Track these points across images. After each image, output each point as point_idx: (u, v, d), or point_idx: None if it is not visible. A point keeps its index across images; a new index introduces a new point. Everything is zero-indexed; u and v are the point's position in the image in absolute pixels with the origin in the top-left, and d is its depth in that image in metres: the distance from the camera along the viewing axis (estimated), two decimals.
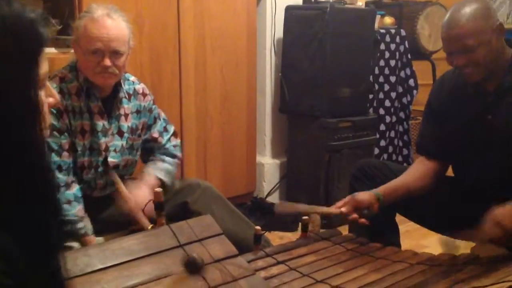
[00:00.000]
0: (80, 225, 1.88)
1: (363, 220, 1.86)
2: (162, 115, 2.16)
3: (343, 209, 1.86)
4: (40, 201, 0.71)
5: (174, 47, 2.75)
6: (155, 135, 2.12)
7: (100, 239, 1.96)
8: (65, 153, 1.87)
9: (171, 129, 2.17)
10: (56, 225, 0.75)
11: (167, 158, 2.11)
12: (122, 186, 1.93)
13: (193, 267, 1.29)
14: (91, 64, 1.87)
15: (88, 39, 1.85)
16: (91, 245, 1.71)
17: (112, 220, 2.05)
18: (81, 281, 1.26)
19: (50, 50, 2.28)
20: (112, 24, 1.87)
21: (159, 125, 2.13)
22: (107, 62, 1.87)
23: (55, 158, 1.85)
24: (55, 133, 1.85)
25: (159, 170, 2.06)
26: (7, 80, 0.67)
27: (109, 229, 2.01)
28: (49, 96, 0.79)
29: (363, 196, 1.88)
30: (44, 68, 0.74)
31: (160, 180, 2.05)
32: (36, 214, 0.70)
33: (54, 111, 1.83)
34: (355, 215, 1.86)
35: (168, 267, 1.39)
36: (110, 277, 1.29)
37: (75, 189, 1.90)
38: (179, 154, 2.17)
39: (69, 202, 1.87)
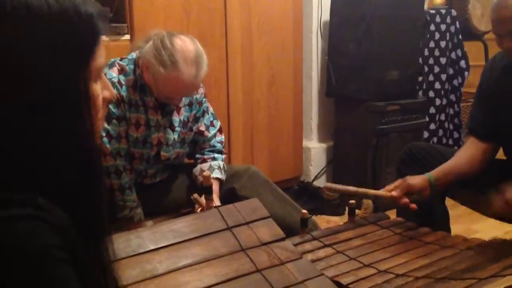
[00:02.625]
0: (138, 210, 1.94)
1: (413, 205, 1.83)
2: (211, 109, 2.16)
3: (394, 193, 1.82)
4: (90, 187, 0.74)
5: (220, 32, 2.77)
6: (202, 128, 2.12)
7: (149, 222, 2.02)
8: (123, 140, 1.92)
9: (218, 124, 2.17)
10: (105, 206, 0.79)
11: (217, 155, 2.12)
12: (203, 204, 1.93)
13: None
14: (159, 94, 1.91)
15: (167, 88, 1.87)
16: (143, 228, 1.76)
17: (162, 206, 2.10)
18: (134, 260, 1.31)
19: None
20: (195, 85, 1.90)
21: (207, 118, 2.13)
22: (177, 102, 1.97)
23: (115, 144, 1.89)
24: (114, 121, 1.89)
25: (215, 170, 2.06)
26: (60, 70, 0.70)
27: (157, 214, 2.06)
28: (104, 89, 0.80)
29: (415, 180, 1.84)
30: (100, 61, 0.76)
31: (218, 179, 2.06)
32: (87, 196, 0.73)
33: (114, 100, 1.87)
34: (405, 200, 1.82)
35: (216, 248, 1.42)
36: (161, 257, 1.34)
37: (133, 175, 1.96)
38: (225, 151, 2.18)
39: (130, 187, 1.93)
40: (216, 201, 1.95)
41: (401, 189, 1.83)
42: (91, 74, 0.74)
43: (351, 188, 1.88)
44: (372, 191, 1.89)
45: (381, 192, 1.88)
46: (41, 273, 0.63)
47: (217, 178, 2.04)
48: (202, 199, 1.90)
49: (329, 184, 1.87)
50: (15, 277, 0.62)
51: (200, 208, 1.90)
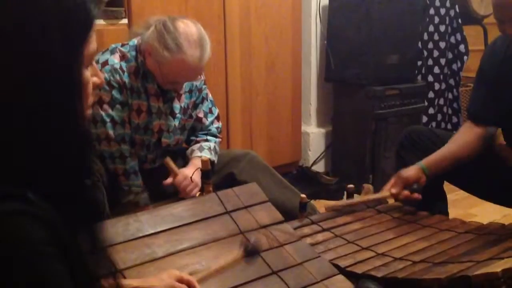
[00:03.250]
0: (144, 195, 1.94)
1: (416, 195, 1.85)
2: (210, 96, 2.16)
3: (393, 191, 1.85)
4: (79, 175, 0.73)
5: (219, 17, 2.75)
6: (200, 114, 2.12)
7: (149, 206, 2.02)
8: (127, 125, 1.91)
9: (216, 111, 2.17)
10: (95, 196, 0.78)
11: (210, 137, 2.12)
12: (175, 169, 1.96)
13: (251, 253, 1.32)
14: (163, 79, 1.90)
15: (172, 73, 1.86)
16: (142, 212, 1.76)
17: (161, 191, 2.10)
18: (133, 245, 1.31)
19: (98, 22, 2.31)
20: (200, 67, 1.89)
21: (205, 105, 2.13)
22: (180, 88, 1.96)
23: (119, 130, 1.88)
24: (118, 106, 1.87)
25: (204, 150, 2.06)
26: (53, 56, 0.68)
27: (158, 198, 2.06)
28: (94, 75, 0.79)
29: (409, 172, 1.86)
30: (92, 47, 0.75)
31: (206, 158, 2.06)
32: (76, 186, 0.72)
33: (116, 86, 1.86)
34: (406, 193, 1.84)
35: (215, 232, 1.43)
36: (160, 241, 1.35)
37: (136, 160, 1.96)
38: (220, 136, 2.18)
39: (135, 172, 1.93)
40: (189, 172, 1.95)
41: (398, 185, 1.84)
42: (85, 60, 0.73)
43: (353, 201, 1.90)
44: (373, 197, 1.91)
45: (382, 194, 1.90)
46: (31, 269, 0.63)
47: (204, 157, 2.02)
48: (175, 166, 1.94)
49: (330, 205, 1.89)
50: (4, 275, 0.62)
51: (199, 193, 1.91)
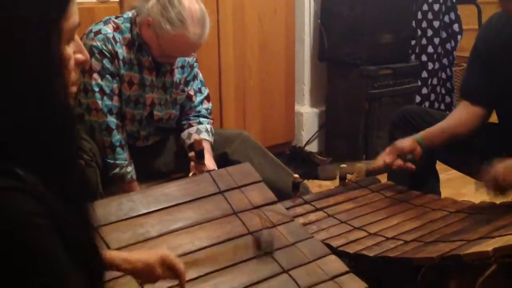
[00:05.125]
0: (129, 169, 1.93)
1: (409, 165, 1.85)
2: (200, 76, 2.16)
3: (387, 160, 1.85)
4: (64, 151, 0.72)
5: None
6: (191, 92, 2.11)
7: (142, 186, 2.02)
8: (116, 97, 1.90)
9: (205, 91, 2.17)
10: (79, 169, 0.77)
11: (202, 119, 2.12)
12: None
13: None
14: (159, 52, 1.90)
15: (171, 46, 1.87)
16: (135, 192, 1.76)
17: (154, 169, 2.10)
18: (126, 224, 1.31)
19: (90, 0, 2.29)
20: (198, 45, 1.90)
21: (196, 84, 2.13)
22: (174, 61, 1.97)
23: (107, 101, 1.87)
24: (108, 76, 1.87)
25: (202, 132, 2.06)
26: (28, 30, 0.66)
27: (151, 177, 2.06)
28: (78, 52, 0.76)
29: (404, 142, 1.86)
30: (72, 21, 0.72)
31: (207, 141, 2.06)
32: (61, 159, 0.71)
33: (108, 55, 1.86)
34: (399, 162, 1.85)
35: (209, 212, 1.43)
36: (153, 221, 1.35)
37: (125, 134, 1.95)
38: (211, 117, 2.17)
39: (121, 145, 1.92)
40: (210, 162, 1.94)
41: (392, 154, 1.85)
42: (63, 35, 0.70)
43: (348, 168, 1.91)
44: (366, 165, 1.92)
45: (375, 162, 1.91)
46: (25, 241, 0.62)
47: (206, 140, 2.04)
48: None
49: (324, 167, 1.89)
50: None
51: (192, 173, 1.91)
